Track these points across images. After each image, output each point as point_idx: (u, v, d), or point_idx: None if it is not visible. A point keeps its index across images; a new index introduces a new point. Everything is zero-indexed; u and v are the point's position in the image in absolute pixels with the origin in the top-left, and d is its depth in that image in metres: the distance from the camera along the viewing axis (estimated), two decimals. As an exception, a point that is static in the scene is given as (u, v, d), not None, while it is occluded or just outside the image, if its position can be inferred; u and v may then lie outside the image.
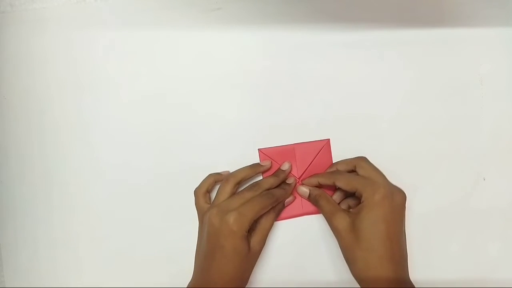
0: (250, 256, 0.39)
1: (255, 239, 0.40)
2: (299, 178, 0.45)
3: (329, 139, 0.45)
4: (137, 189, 0.45)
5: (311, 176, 0.44)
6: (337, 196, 0.44)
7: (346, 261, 0.39)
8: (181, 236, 0.44)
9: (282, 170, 0.44)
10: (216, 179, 0.44)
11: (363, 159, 0.43)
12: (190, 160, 0.45)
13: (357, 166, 0.42)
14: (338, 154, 0.45)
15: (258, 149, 0.45)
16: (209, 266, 0.39)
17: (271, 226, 0.42)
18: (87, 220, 0.45)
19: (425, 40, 0.46)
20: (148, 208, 0.45)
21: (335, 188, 0.44)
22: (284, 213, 0.45)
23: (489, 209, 0.46)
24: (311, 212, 0.45)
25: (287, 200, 0.44)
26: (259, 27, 0.46)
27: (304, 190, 0.44)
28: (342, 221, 0.39)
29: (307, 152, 0.45)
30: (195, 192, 0.44)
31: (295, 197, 0.45)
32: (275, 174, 0.44)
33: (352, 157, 0.44)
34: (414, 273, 0.43)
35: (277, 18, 0.46)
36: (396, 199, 0.39)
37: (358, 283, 0.38)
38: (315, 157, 0.45)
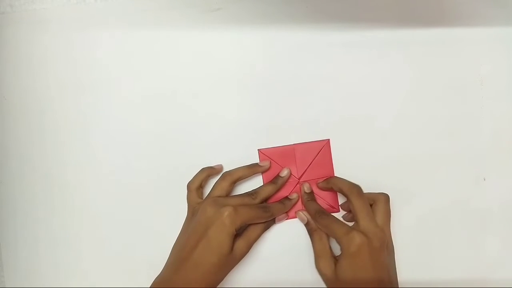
0: (230, 258, 0.39)
1: (239, 244, 0.40)
2: (298, 179, 0.45)
3: (328, 139, 0.45)
4: (137, 189, 0.45)
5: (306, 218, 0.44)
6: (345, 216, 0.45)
7: None
8: (181, 236, 0.44)
9: (281, 177, 0.44)
10: (209, 173, 0.44)
11: (354, 193, 0.40)
12: (190, 160, 0.45)
13: (348, 200, 0.41)
14: (338, 154, 0.45)
15: (258, 149, 0.45)
16: (188, 256, 0.38)
17: (257, 237, 0.42)
18: (87, 220, 0.45)
19: (425, 40, 0.46)
20: (148, 208, 0.45)
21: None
22: (284, 215, 0.45)
23: (489, 209, 0.46)
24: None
25: (278, 217, 0.44)
26: (259, 27, 0.46)
27: (303, 217, 0.44)
28: (327, 267, 0.40)
29: (307, 152, 0.45)
30: (188, 186, 0.44)
31: (287, 216, 0.45)
32: (273, 181, 0.44)
33: (350, 180, 0.43)
34: (414, 273, 0.43)
35: (277, 18, 0.46)
36: (373, 243, 0.38)
37: None
38: (315, 157, 0.45)
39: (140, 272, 0.45)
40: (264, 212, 0.41)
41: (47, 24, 0.46)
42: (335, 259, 0.41)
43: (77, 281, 0.45)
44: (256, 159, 0.45)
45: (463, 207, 0.46)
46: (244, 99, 0.46)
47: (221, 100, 0.46)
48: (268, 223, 0.43)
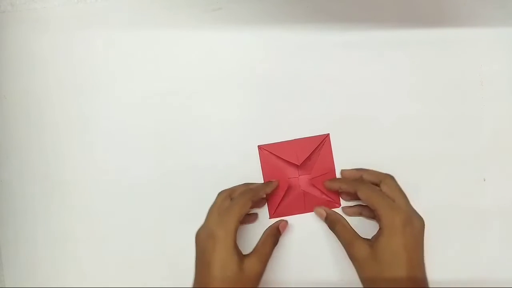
0: (245, 278, 0.36)
1: (250, 260, 0.37)
2: (299, 173, 0.45)
3: (328, 133, 0.45)
4: (137, 189, 0.45)
5: (334, 179, 0.44)
6: (355, 209, 0.44)
7: None
8: (181, 236, 0.44)
9: (271, 182, 0.44)
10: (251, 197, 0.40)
11: (389, 177, 0.41)
12: (190, 160, 0.45)
13: (382, 182, 0.40)
14: (339, 154, 0.45)
15: (258, 145, 0.45)
16: None
17: (269, 250, 0.39)
18: (87, 220, 0.45)
19: (425, 40, 0.46)
20: (148, 208, 0.45)
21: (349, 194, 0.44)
22: (285, 211, 0.45)
23: (489, 209, 0.46)
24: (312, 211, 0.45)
25: (281, 225, 0.43)
26: (260, 27, 0.46)
27: (322, 212, 0.43)
28: (362, 250, 0.37)
29: (307, 147, 0.45)
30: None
31: (287, 222, 0.44)
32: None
33: (380, 171, 0.43)
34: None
35: (278, 18, 0.46)
36: (415, 225, 0.37)
37: None
38: (315, 151, 0.45)
39: (139, 272, 0.45)
40: (246, 193, 0.39)
41: (48, 23, 0.46)
42: (369, 240, 0.38)
43: (77, 281, 0.45)
44: (256, 158, 0.45)
45: (463, 207, 0.46)
46: (244, 99, 0.46)
47: (221, 100, 0.46)
48: (276, 235, 0.42)
